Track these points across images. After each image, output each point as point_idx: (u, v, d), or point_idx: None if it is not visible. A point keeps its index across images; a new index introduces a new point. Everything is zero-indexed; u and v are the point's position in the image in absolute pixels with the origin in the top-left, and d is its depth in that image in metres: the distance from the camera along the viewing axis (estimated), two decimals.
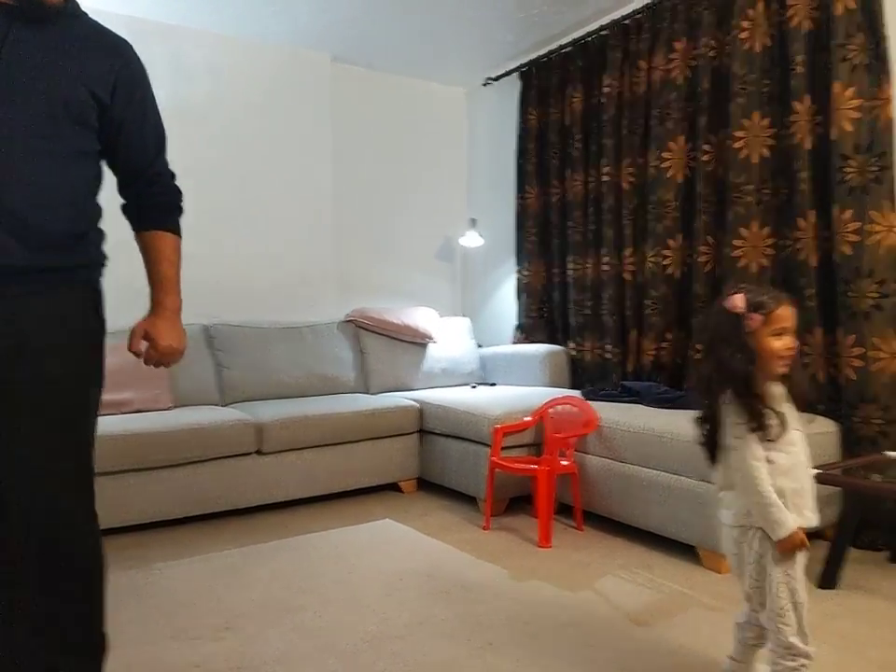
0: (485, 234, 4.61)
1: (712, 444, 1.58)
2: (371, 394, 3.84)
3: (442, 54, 4.32)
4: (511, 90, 4.38)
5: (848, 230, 2.62)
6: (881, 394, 2.55)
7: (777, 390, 1.51)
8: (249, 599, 2.24)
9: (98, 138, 1.44)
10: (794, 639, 1.46)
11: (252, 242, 4.05)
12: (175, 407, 3.32)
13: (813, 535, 2.59)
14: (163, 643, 1.94)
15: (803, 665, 1.46)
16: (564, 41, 3.95)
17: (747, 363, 1.47)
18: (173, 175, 1.60)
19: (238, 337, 3.67)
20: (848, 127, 2.62)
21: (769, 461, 1.47)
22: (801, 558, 1.49)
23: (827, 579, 2.25)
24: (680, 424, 2.55)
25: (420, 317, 4.14)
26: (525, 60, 4.24)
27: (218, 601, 2.22)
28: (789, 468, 1.48)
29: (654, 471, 2.62)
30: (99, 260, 1.47)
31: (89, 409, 1.42)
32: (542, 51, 4.11)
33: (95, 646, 1.42)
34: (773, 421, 1.46)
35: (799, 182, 2.78)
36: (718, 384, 1.52)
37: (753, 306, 1.48)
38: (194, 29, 3.84)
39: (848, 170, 2.62)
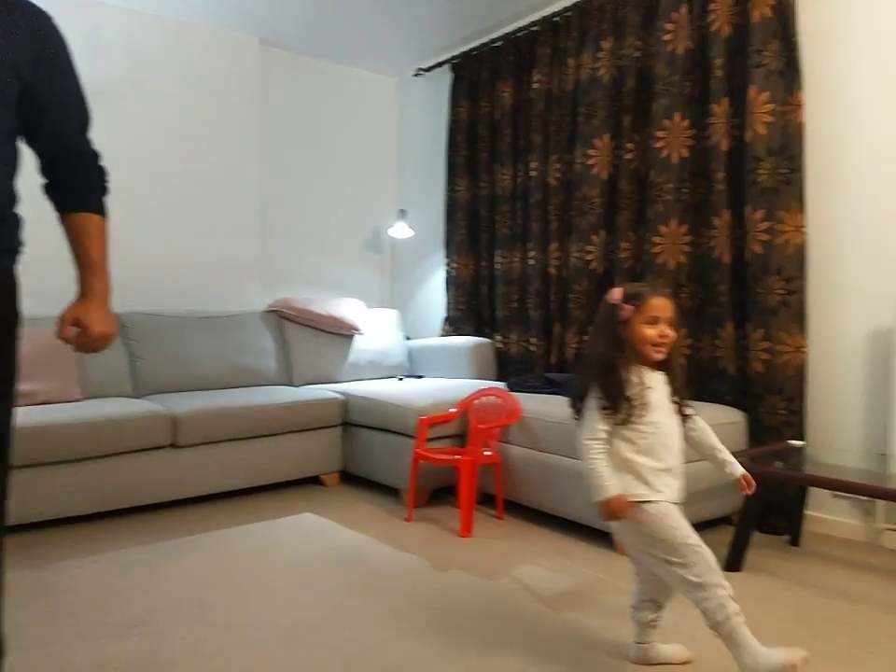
0: (415, 226, 4.60)
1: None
2: (295, 386, 3.77)
3: (375, 42, 4.28)
4: (443, 81, 4.38)
5: (759, 229, 2.73)
6: (786, 386, 2.68)
7: (651, 377, 1.65)
8: (160, 597, 2.16)
9: (17, 116, 1.36)
10: (711, 575, 1.57)
11: (172, 228, 3.92)
12: (85, 399, 3.17)
13: (720, 520, 2.73)
14: (67, 643, 1.85)
15: (729, 597, 1.56)
16: (495, 35, 3.98)
17: (612, 348, 1.64)
18: (98, 155, 1.53)
19: (153, 326, 3.53)
20: (762, 130, 2.72)
21: (627, 440, 1.63)
22: (675, 512, 1.64)
23: (732, 561, 2.35)
24: (561, 409, 2.59)
25: (346, 308, 4.09)
26: (456, 52, 4.24)
27: (127, 599, 2.14)
28: (647, 447, 1.63)
29: (573, 461, 2.67)
30: (15, 247, 1.39)
31: (5, 397, 1.34)
32: (474, 44, 4.12)
33: None
34: (625, 404, 1.61)
35: (715, 182, 2.88)
36: (589, 366, 1.69)
37: (627, 297, 1.65)
38: (111, 4, 3.68)
39: (761, 172, 2.73)
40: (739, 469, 1.77)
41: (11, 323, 1.37)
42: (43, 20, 1.41)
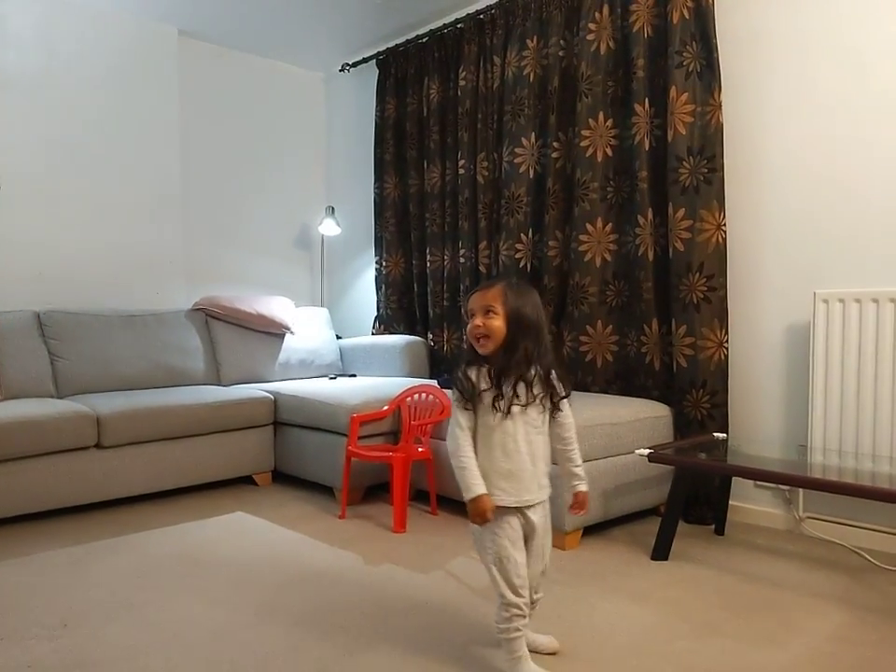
0: (344, 223, 4.56)
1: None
2: (223, 385, 3.69)
3: (300, 36, 4.21)
4: (369, 77, 4.35)
5: (681, 227, 2.81)
6: (709, 380, 2.77)
7: (483, 371, 1.62)
8: (88, 597, 2.11)
9: None
10: (505, 591, 1.59)
11: (91, 224, 3.77)
12: (6, 399, 3.06)
13: (648, 511, 2.81)
14: None
15: (514, 616, 1.59)
16: (421, 31, 3.98)
17: (467, 344, 1.70)
18: None
19: (74, 325, 3.41)
20: (683, 130, 2.81)
21: (479, 440, 1.62)
22: (514, 523, 1.61)
23: (659, 551, 2.42)
24: None
25: (276, 307, 4.02)
26: (382, 48, 4.23)
27: (55, 600, 2.09)
28: (489, 447, 1.61)
29: None
30: None
31: None
32: (400, 40, 4.11)
33: None
34: (469, 401, 1.61)
35: (639, 181, 2.96)
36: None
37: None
38: None
39: (682, 171, 2.82)
40: (582, 487, 1.73)
41: None
42: None
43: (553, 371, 1.66)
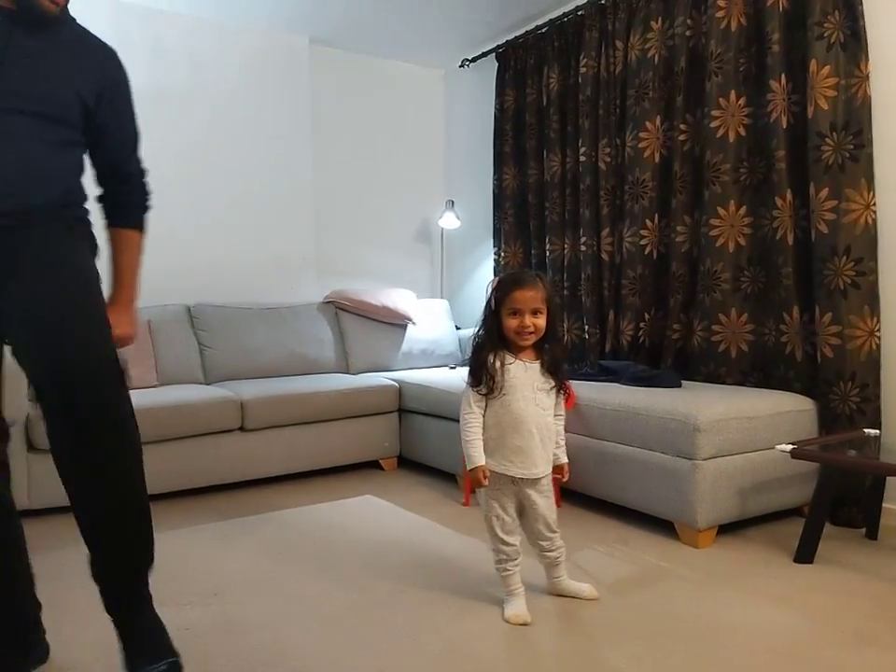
0: (463, 216, 4.60)
1: None
2: (351, 374, 3.85)
3: (420, 35, 4.28)
4: (489, 71, 4.36)
5: (825, 208, 2.64)
6: (858, 372, 2.58)
7: (518, 362, 1.84)
8: (234, 569, 2.27)
9: (83, 132, 1.59)
10: (494, 540, 1.92)
11: (233, 225, 4.04)
12: (161, 385, 3.35)
13: (790, 511, 2.66)
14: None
15: (501, 559, 1.92)
16: (540, 21, 3.94)
17: (482, 331, 1.87)
18: (143, 174, 1.73)
19: (220, 318, 3.69)
20: (825, 105, 2.63)
21: (489, 415, 1.86)
22: (507, 491, 1.89)
23: (803, 553, 2.28)
24: (656, 401, 2.57)
25: (398, 299, 4.13)
26: (501, 41, 4.22)
27: (205, 570, 2.26)
28: (497, 424, 1.85)
29: (630, 448, 2.64)
30: (95, 242, 1.63)
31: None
32: (519, 32, 4.09)
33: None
34: (486, 383, 1.83)
35: (776, 161, 2.80)
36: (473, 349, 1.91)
37: (496, 288, 1.84)
38: (173, 12, 3.79)
39: (825, 148, 2.64)
40: (562, 459, 1.98)
41: (90, 252, 1.59)
42: (107, 54, 1.63)
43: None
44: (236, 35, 4.02)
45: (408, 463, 3.60)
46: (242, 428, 3.16)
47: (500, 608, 1.93)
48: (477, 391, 1.86)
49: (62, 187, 1.56)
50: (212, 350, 3.59)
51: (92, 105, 1.57)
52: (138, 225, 1.71)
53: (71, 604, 1.98)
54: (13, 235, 1.46)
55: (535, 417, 1.85)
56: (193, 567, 2.29)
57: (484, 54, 4.37)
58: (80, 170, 1.62)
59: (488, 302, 1.86)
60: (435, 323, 4.24)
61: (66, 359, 1.40)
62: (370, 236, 4.59)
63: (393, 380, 3.61)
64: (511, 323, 1.81)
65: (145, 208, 1.73)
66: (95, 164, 1.67)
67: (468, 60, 4.53)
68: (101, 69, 1.60)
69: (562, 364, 1.89)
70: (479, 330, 1.89)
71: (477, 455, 1.85)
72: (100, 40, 1.63)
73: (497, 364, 1.82)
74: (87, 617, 1.88)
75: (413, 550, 2.42)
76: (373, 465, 3.57)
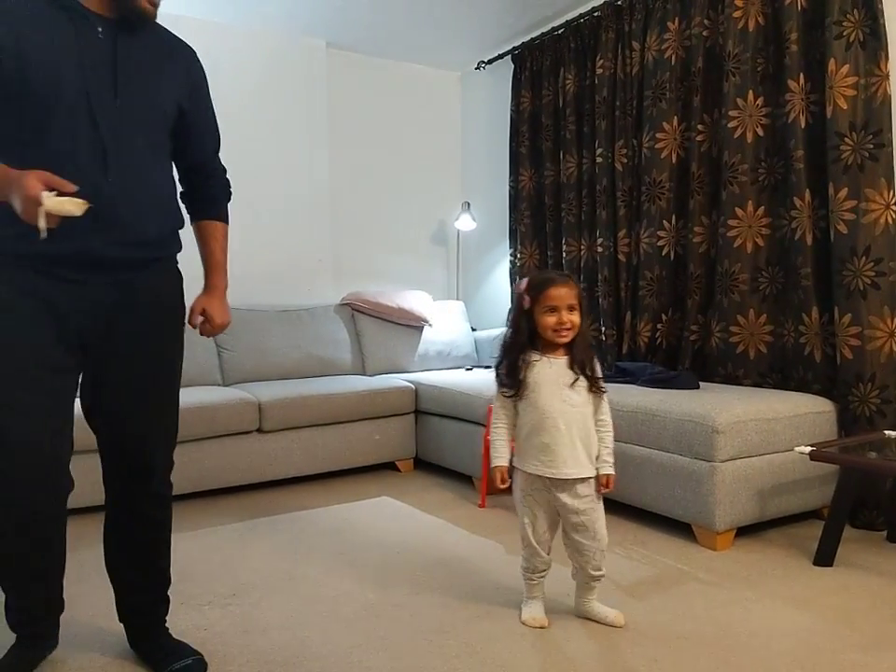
0: (479, 218, 4.61)
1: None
2: (368, 376, 3.86)
3: (436, 38, 4.30)
4: (505, 73, 4.36)
5: (844, 208, 2.61)
6: (878, 373, 2.55)
7: (546, 360, 1.81)
8: (253, 569, 2.29)
9: (171, 137, 1.63)
10: (522, 544, 1.90)
11: (251, 228, 4.05)
12: (181, 387, 3.34)
13: (809, 514, 2.64)
14: (173, 608, 1.94)
15: (526, 566, 1.91)
16: (556, 23, 3.94)
17: (513, 333, 1.85)
18: (225, 171, 1.81)
19: (237, 319, 3.63)
20: (843, 105, 2.61)
21: (520, 415, 1.85)
22: (541, 493, 1.85)
23: (822, 555, 2.26)
24: (673, 403, 2.56)
25: (415, 300, 4.15)
26: (517, 42, 4.22)
27: (224, 571, 2.28)
28: (527, 423, 1.83)
29: (648, 449, 2.63)
30: (179, 250, 1.72)
31: (176, 374, 1.73)
32: (535, 33, 4.09)
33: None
34: (515, 383, 1.82)
35: (794, 161, 2.78)
36: (502, 351, 1.89)
37: (529, 288, 1.81)
38: (190, 17, 3.82)
39: (844, 148, 2.62)
40: (606, 470, 1.86)
41: (182, 311, 1.70)
42: (195, 58, 1.66)
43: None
44: (253, 40, 4.05)
45: (424, 465, 3.61)
46: (259, 430, 3.18)
47: (518, 609, 1.94)
48: (503, 393, 1.86)
49: (173, 215, 1.62)
50: (229, 352, 3.62)
51: (186, 107, 1.60)
52: (224, 216, 1.78)
53: (87, 603, 2.01)
54: (132, 282, 1.55)
55: (562, 413, 1.80)
56: (212, 567, 2.31)
57: (500, 56, 4.37)
58: (175, 186, 1.68)
59: (518, 304, 1.84)
60: (451, 325, 4.25)
61: (146, 442, 1.62)
62: (386, 238, 4.61)
63: (409, 381, 3.62)
64: (549, 320, 1.78)
65: (228, 199, 1.81)
66: (183, 163, 1.70)
67: (484, 62, 4.54)
68: (188, 70, 1.62)
69: (591, 359, 1.84)
70: (507, 333, 1.88)
71: (497, 456, 1.85)
72: (180, 39, 1.64)
73: (521, 363, 1.82)
74: (101, 615, 1.91)
75: (429, 551, 2.43)
76: (390, 466, 3.58)
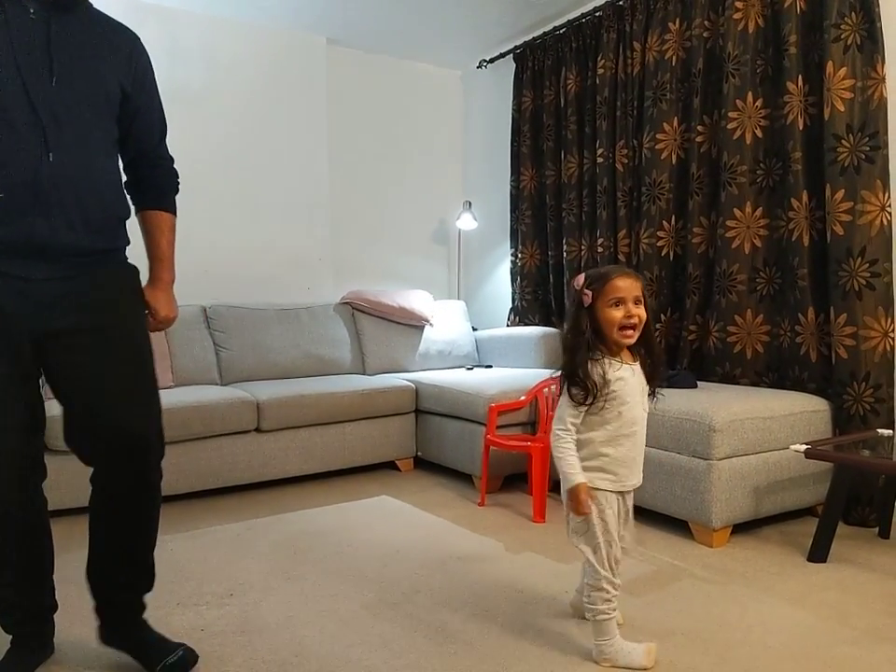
0: (480, 217, 4.63)
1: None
2: (368, 375, 3.87)
3: (438, 36, 4.31)
4: (506, 72, 4.38)
5: (840, 210, 2.64)
6: (872, 372, 2.58)
7: (622, 366, 1.63)
8: (250, 569, 2.29)
9: (118, 126, 1.58)
10: (607, 574, 1.65)
11: (249, 225, 4.07)
12: (177, 386, 3.37)
13: (804, 511, 2.66)
14: (170, 609, 1.99)
15: (613, 597, 1.65)
16: (558, 22, 3.96)
17: (577, 335, 1.62)
18: (172, 159, 1.74)
19: (236, 318, 3.71)
20: (841, 107, 2.63)
21: (594, 429, 1.64)
22: (613, 505, 1.66)
23: (816, 552, 2.29)
24: (672, 402, 2.58)
25: (416, 300, 4.16)
26: (519, 41, 4.24)
27: (221, 571, 2.28)
28: (610, 437, 1.64)
29: (646, 448, 2.64)
30: (128, 243, 1.66)
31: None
32: (537, 33, 4.11)
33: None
34: (591, 393, 1.60)
35: (792, 162, 2.80)
36: (562, 355, 1.68)
37: (588, 282, 1.62)
38: (189, 11, 3.83)
39: (841, 150, 2.64)
40: None
41: (142, 307, 1.65)
42: (132, 36, 1.60)
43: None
44: (253, 35, 4.06)
45: (424, 464, 3.62)
46: (258, 429, 3.17)
47: (520, 609, 1.95)
48: (576, 405, 1.62)
49: (119, 203, 1.58)
50: (228, 351, 3.62)
51: (129, 91, 1.55)
52: (171, 207, 1.71)
53: (82, 605, 2.03)
54: (87, 279, 1.52)
55: (642, 422, 1.68)
56: (209, 567, 2.31)
57: (502, 55, 4.39)
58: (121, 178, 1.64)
59: (577, 301, 1.64)
60: (452, 324, 4.27)
61: (124, 433, 1.55)
62: (386, 237, 4.63)
63: (409, 381, 3.63)
64: (615, 315, 1.58)
65: (175, 191, 1.74)
66: (126, 151, 1.65)
67: (485, 61, 4.56)
68: (130, 54, 1.56)
69: (661, 365, 1.71)
70: (566, 336, 1.68)
71: (574, 472, 1.62)
72: (121, 23, 1.59)
73: (600, 370, 1.61)
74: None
75: (429, 550, 2.45)
76: (390, 466, 3.60)
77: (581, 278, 1.65)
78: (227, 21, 3.96)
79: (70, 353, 1.51)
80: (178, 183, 1.75)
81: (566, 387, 1.63)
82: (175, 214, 1.73)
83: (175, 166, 1.74)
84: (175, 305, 1.72)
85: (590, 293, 1.61)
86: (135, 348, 1.59)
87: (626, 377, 1.63)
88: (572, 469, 1.62)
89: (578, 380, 1.60)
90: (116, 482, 1.59)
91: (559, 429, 1.65)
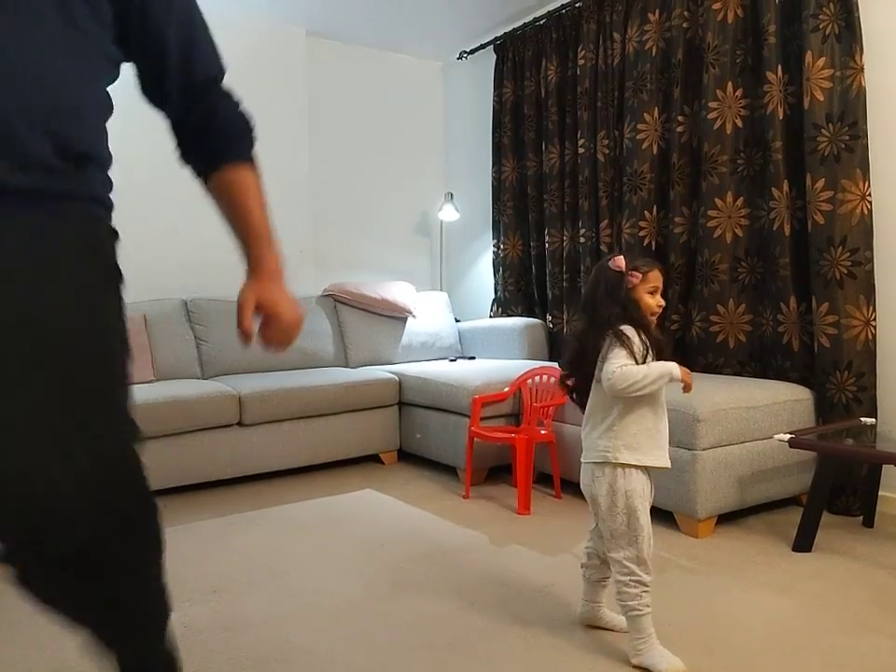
0: (462, 208, 4.60)
1: (583, 388, 1.74)
2: (351, 367, 3.85)
3: (418, 27, 4.28)
4: (487, 63, 4.35)
5: (821, 199, 2.65)
6: (854, 361, 2.60)
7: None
8: (234, 565, 2.27)
9: (125, 51, 1.06)
10: (643, 565, 1.63)
11: None
12: (157, 380, 3.34)
13: (788, 500, 2.68)
14: None
15: (647, 591, 1.62)
16: (538, 13, 3.94)
17: (624, 310, 1.65)
18: (231, 93, 1.24)
19: (216, 311, 3.67)
20: (820, 97, 2.64)
21: (643, 402, 1.65)
22: (645, 491, 1.67)
23: (801, 541, 2.30)
24: None
25: (398, 292, 4.14)
26: (499, 32, 4.22)
27: (204, 567, 2.26)
28: (659, 412, 1.68)
29: None
30: (107, 203, 1.07)
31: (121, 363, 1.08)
32: (517, 24, 4.09)
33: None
34: (639, 349, 1.63)
35: (772, 152, 2.81)
36: (602, 326, 1.66)
37: (633, 266, 1.68)
38: None
39: (820, 139, 2.65)
40: None
41: (118, 278, 1.08)
42: None
43: None
44: (231, 26, 3.98)
45: (408, 456, 3.61)
46: (240, 423, 3.15)
47: (506, 603, 1.94)
48: (636, 360, 1.62)
49: (89, 127, 0.99)
50: (209, 344, 3.59)
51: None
52: (249, 158, 1.20)
53: None
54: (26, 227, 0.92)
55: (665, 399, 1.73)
56: (192, 563, 2.29)
57: (482, 46, 4.36)
58: (105, 111, 1.06)
59: (619, 282, 1.65)
60: (435, 316, 4.25)
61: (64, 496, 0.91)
62: (368, 229, 4.59)
63: (393, 373, 3.61)
64: (652, 301, 1.68)
65: (253, 138, 1.23)
66: (169, 96, 1.14)
67: (466, 52, 4.53)
68: None
69: (667, 355, 1.72)
70: (609, 309, 1.65)
71: (661, 364, 1.63)
72: None
73: (646, 339, 1.65)
74: None
75: (414, 543, 2.43)
76: (373, 459, 3.58)
77: (622, 261, 1.68)
78: (204, 12, 3.87)
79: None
80: (252, 125, 1.25)
81: (626, 340, 1.62)
82: (256, 168, 1.22)
83: (238, 100, 1.24)
84: (296, 303, 1.19)
85: (638, 275, 1.67)
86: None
87: (653, 353, 1.69)
88: (659, 366, 1.62)
89: (641, 343, 1.63)
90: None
91: (622, 365, 1.60)
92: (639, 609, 1.61)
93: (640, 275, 1.67)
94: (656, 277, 1.69)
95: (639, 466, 1.65)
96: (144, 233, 3.59)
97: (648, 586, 1.62)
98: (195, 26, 1.15)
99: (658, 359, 1.66)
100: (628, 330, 1.63)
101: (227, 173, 1.17)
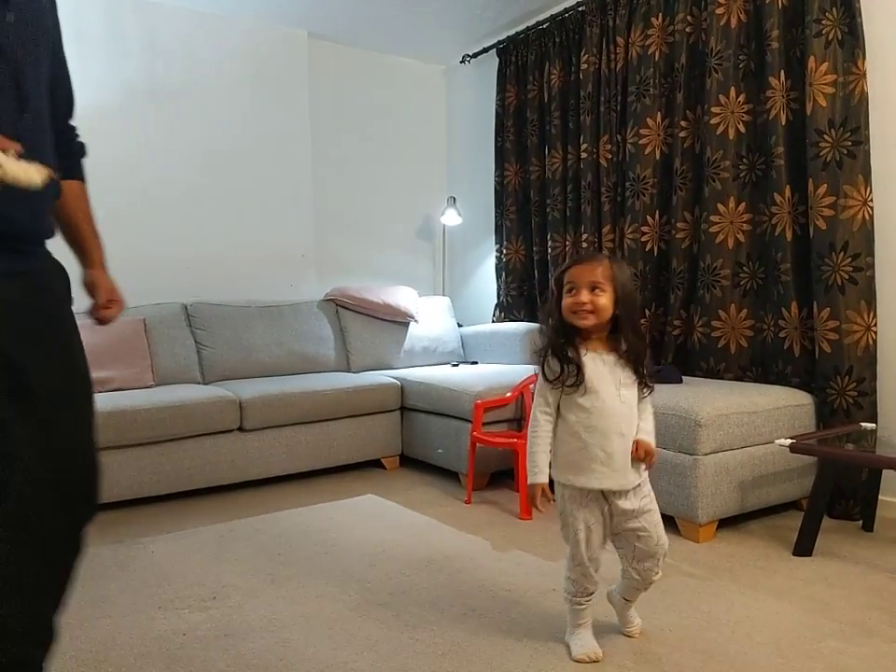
0: (465, 213, 4.61)
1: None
2: (353, 372, 3.85)
3: (421, 31, 4.29)
4: (489, 67, 4.36)
5: (823, 204, 2.65)
6: (855, 366, 2.60)
7: (595, 356, 1.63)
8: (235, 571, 2.26)
9: None
10: (573, 565, 1.69)
11: (231, 222, 4.02)
12: (157, 385, 3.33)
13: (788, 505, 2.68)
14: (151, 612, 1.96)
15: (580, 589, 1.70)
16: (541, 17, 3.95)
17: (546, 323, 1.68)
18: (76, 127, 1.51)
19: (217, 316, 3.67)
20: (823, 102, 2.64)
21: (565, 417, 1.65)
22: (593, 507, 1.66)
23: (802, 546, 2.31)
24: (657, 397, 2.52)
25: (400, 296, 4.14)
26: (502, 36, 4.23)
27: (204, 573, 2.25)
28: (592, 428, 1.62)
29: None
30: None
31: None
32: (520, 28, 4.10)
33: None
34: (560, 377, 1.61)
35: (775, 157, 2.81)
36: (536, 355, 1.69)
37: (556, 273, 1.68)
38: (169, 5, 3.77)
39: (823, 145, 2.65)
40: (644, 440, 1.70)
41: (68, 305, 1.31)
42: None
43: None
44: (234, 29, 4.01)
45: (410, 462, 3.60)
46: (241, 429, 3.14)
47: (507, 608, 1.95)
48: (552, 384, 1.61)
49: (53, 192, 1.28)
50: (209, 349, 3.58)
51: (53, 53, 1.30)
52: (84, 176, 1.49)
53: (90, 601, 2.01)
54: (30, 268, 1.20)
55: (623, 416, 1.63)
56: (191, 570, 2.28)
57: (485, 50, 4.37)
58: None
59: (551, 290, 1.68)
60: (437, 320, 4.25)
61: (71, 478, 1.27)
62: (371, 233, 4.60)
63: (395, 378, 3.61)
64: (566, 301, 1.60)
65: (84, 154, 1.51)
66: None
67: (468, 55, 4.54)
68: (49, 12, 1.26)
69: (644, 352, 1.66)
70: (543, 322, 1.71)
71: (538, 471, 1.63)
72: None
73: (570, 353, 1.60)
74: (94, 615, 1.91)
75: (415, 549, 2.43)
76: (375, 464, 3.57)
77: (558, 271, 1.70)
78: (207, 15, 3.90)
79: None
80: (85, 150, 1.50)
81: (540, 366, 1.65)
82: (86, 182, 1.50)
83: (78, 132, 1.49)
84: (117, 286, 1.47)
85: (554, 283, 1.67)
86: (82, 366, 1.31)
87: (592, 367, 1.62)
88: (536, 468, 1.64)
89: (548, 357, 1.64)
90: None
91: (536, 422, 1.66)
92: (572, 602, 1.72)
93: (554, 283, 1.66)
94: (572, 274, 1.62)
95: (573, 486, 1.65)
96: (144, 238, 3.60)
97: (582, 595, 1.70)
98: (66, 73, 1.40)
99: (636, 364, 1.64)
100: (540, 365, 1.65)
101: (72, 184, 1.42)
